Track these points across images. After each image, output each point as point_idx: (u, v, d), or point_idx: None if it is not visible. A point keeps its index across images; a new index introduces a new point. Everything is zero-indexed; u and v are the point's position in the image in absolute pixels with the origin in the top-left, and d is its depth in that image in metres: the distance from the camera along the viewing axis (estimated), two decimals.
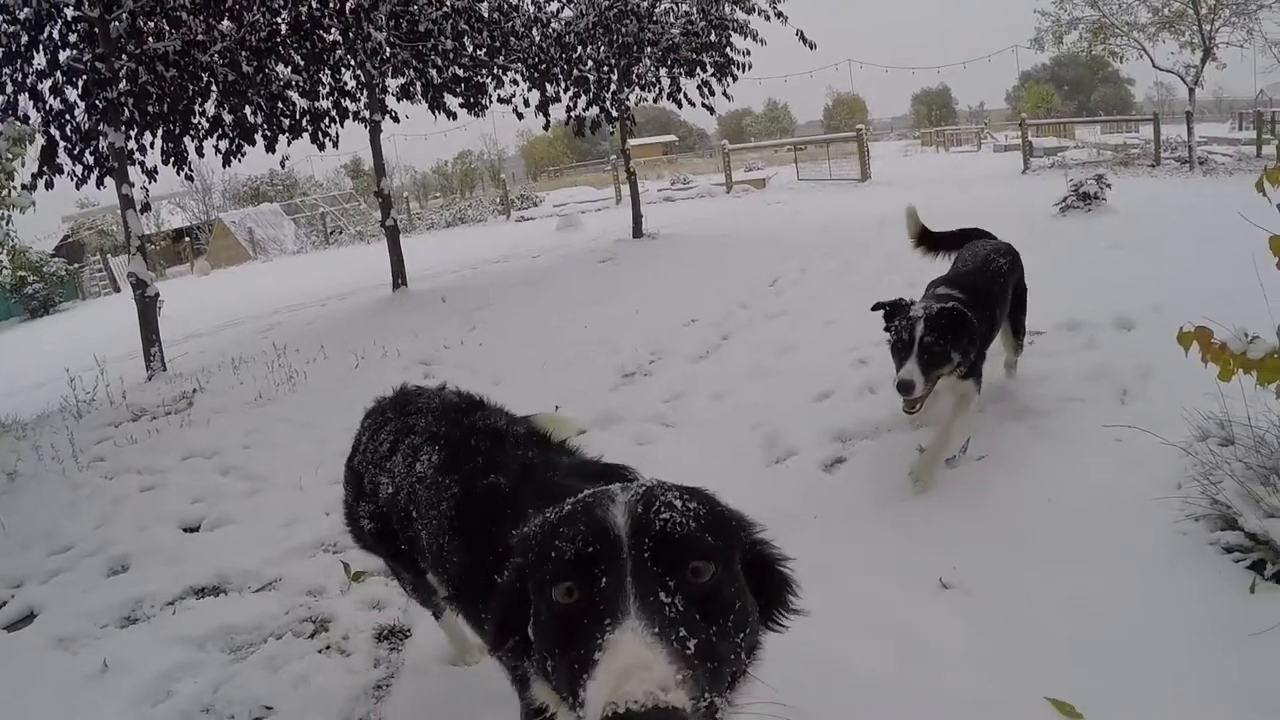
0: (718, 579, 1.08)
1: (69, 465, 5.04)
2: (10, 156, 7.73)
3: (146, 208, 9.66)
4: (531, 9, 11.28)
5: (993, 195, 12.49)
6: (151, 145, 9.61)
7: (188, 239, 38.40)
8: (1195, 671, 2.09)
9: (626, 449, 2.40)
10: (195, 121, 9.72)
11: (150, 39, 8.43)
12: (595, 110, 12.18)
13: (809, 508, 3.21)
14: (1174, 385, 2.98)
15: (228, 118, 9.88)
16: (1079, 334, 4.58)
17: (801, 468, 3.61)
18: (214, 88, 9.35)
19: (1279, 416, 2.74)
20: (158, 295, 8.00)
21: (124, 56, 8.23)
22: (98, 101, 7.83)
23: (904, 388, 3.27)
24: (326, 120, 10.52)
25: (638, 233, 12.41)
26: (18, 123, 8.11)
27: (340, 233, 30.88)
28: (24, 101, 8.31)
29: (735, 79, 12.23)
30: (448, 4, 9.44)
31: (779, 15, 11.67)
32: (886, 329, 3.48)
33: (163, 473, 4.82)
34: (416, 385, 2.38)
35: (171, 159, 9.92)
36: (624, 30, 11.34)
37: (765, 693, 1.17)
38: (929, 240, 4.58)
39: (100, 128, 8.21)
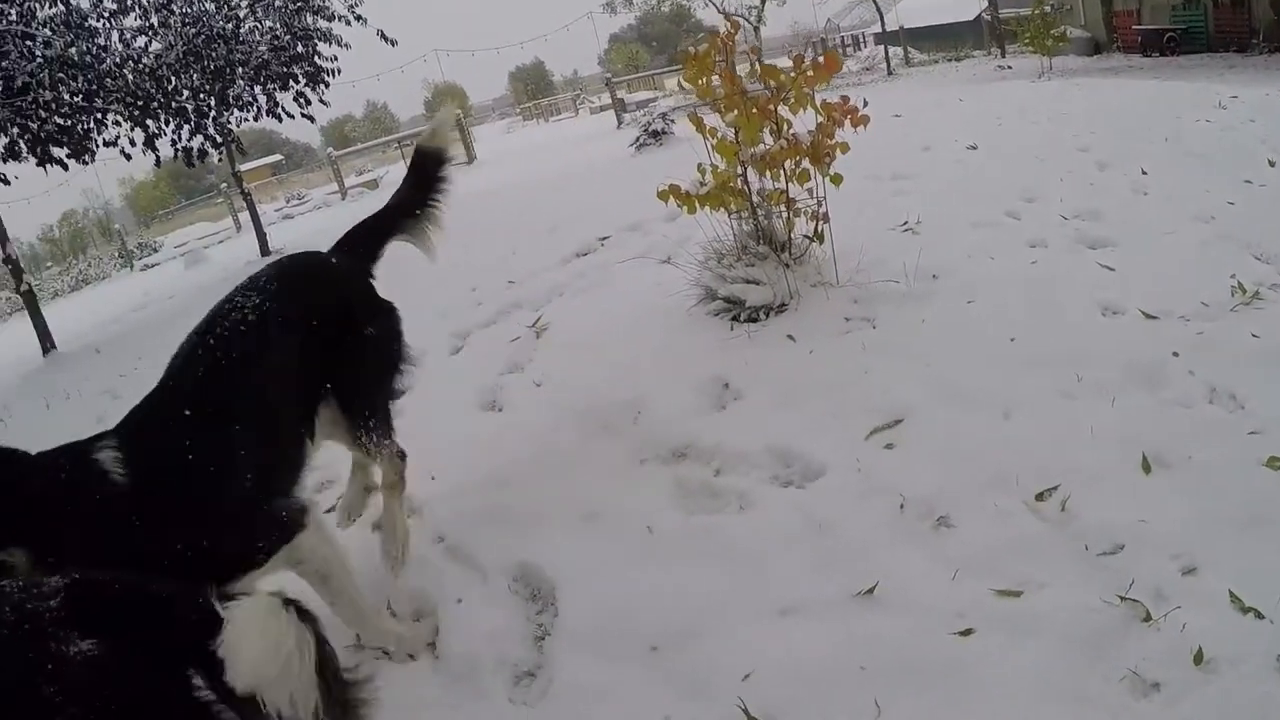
0: None
1: None
2: None
3: None
4: (121, 47, 11.20)
5: (587, 152, 14.39)
6: None
7: None
8: (695, 359, 3.89)
9: None
10: None
11: None
12: (200, 139, 12.00)
13: None
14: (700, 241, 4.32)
15: None
16: (638, 231, 6.27)
17: None
18: None
19: (731, 231, 4.32)
20: None
21: None
22: None
23: None
24: None
25: (264, 251, 12.50)
26: None
27: None
28: None
29: (328, 85, 12.60)
30: (39, 55, 9.31)
31: (358, 19, 12.26)
32: None
33: None
34: None
35: None
36: (214, 55, 11.43)
37: None
38: None
39: None
